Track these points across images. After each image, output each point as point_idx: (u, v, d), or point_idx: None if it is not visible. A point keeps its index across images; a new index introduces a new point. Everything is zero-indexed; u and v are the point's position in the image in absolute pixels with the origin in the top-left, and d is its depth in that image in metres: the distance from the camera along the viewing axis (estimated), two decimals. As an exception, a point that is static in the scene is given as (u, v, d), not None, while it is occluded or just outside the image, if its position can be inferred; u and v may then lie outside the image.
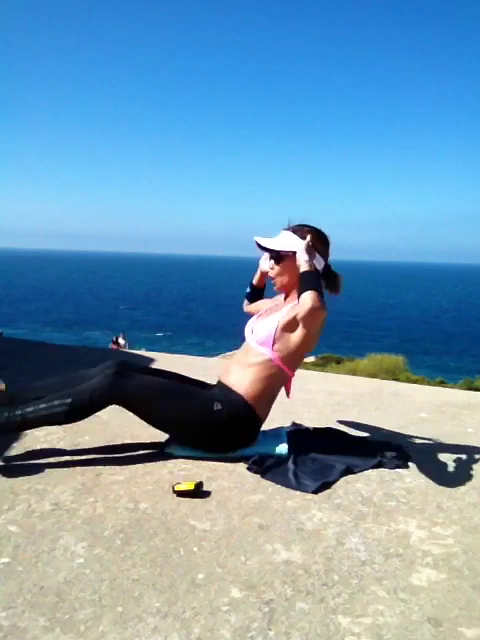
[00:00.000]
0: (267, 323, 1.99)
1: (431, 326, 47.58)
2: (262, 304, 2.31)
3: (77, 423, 2.32)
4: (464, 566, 1.33)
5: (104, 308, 52.52)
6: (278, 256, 2.02)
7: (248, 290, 2.41)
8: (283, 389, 2.04)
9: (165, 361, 4.11)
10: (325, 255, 2.02)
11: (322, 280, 1.94)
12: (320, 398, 3.07)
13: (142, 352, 5.12)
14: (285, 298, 2.09)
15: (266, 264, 2.17)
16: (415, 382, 9.93)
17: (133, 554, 1.32)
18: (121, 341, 20.17)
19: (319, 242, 2.00)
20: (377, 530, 1.50)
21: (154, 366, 3.89)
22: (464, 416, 2.80)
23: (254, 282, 2.38)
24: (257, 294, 2.39)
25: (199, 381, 2.13)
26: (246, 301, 2.43)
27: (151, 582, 1.21)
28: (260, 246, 2.06)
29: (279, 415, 2.36)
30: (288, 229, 2.04)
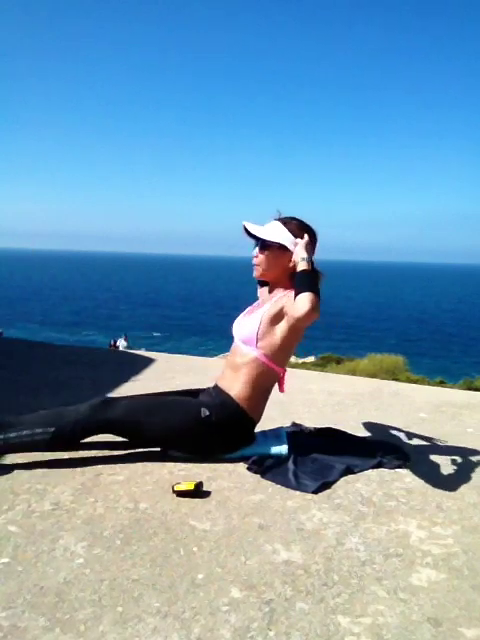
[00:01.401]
0: (250, 321, 1.97)
1: (431, 326, 47.59)
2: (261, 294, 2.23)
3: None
4: (464, 566, 1.33)
5: (104, 308, 52.54)
6: (263, 244, 1.98)
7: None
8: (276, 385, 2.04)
9: (165, 361, 4.11)
10: (312, 251, 1.98)
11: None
12: (320, 398, 3.07)
13: (142, 352, 5.12)
14: (270, 291, 2.06)
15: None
16: (415, 382, 9.93)
17: (133, 554, 1.32)
18: (121, 343, 20.00)
19: (311, 240, 1.97)
20: (377, 530, 1.50)
21: (154, 366, 3.90)
22: (464, 416, 2.80)
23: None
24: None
25: (191, 390, 2.12)
26: (259, 285, 2.24)
27: (151, 582, 1.21)
28: (247, 232, 2.02)
29: (279, 415, 2.36)
30: (278, 220, 2.00)
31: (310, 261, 1.87)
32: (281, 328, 1.91)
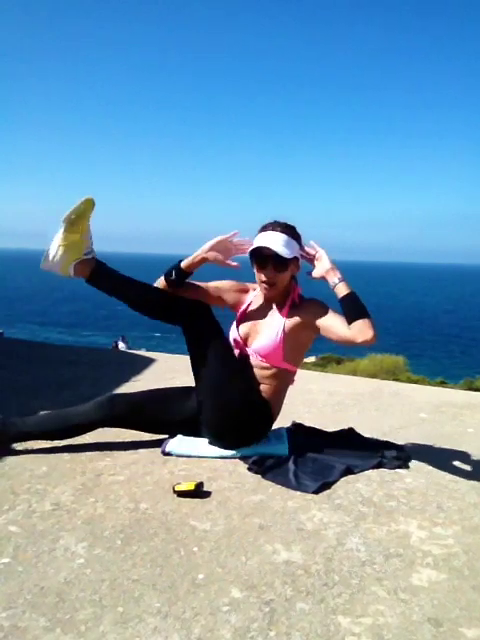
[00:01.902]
0: (267, 335, 1.92)
1: (431, 326, 47.57)
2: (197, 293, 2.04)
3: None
4: (464, 566, 1.33)
5: (103, 308, 52.51)
6: (281, 262, 1.87)
7: (173, 272, 1.99)
8: None
9: (165, 361, 4.11)
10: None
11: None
12: (320, 398, 3.07)
13: (142, 352, 5.12)
14: (265, 300, 2.01)
15: (212, 254, 1.97)
16: (415, 382, 9.93)
17: (133, 554, 1.32)
18: (120, 345, 19.90)
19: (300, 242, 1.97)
20: (377, 530, 1.50)
21: (154, 366, 3.90)
22: (464, 416, 2.80)
23: (184, 265, 1.99)
24: (181, 278, 2.00)
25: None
26: (161, 279, 2.02)
27: (151, 582, 1.21)
28: (257, 253, 1.89)
29: (279, 415, 2.36)
30: (280, 231, 1.90)
31: (345, 279, 1.89)
32: (303, 337, 1.93)
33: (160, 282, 2.02)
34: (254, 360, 1.96)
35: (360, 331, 1.78)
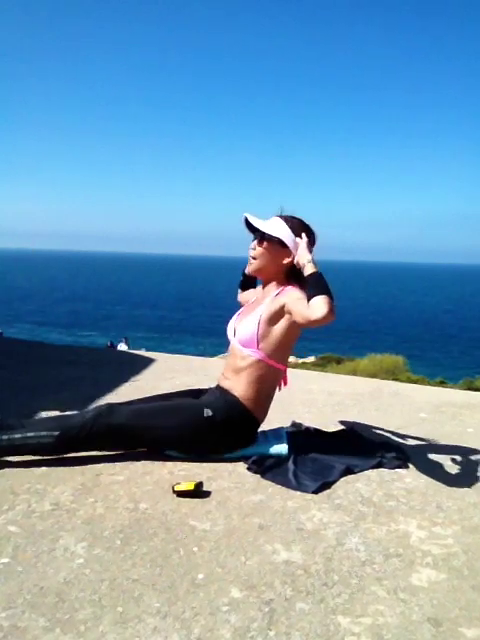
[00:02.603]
0: (248, 323, 1.97)
1: (431, 326, 47.59)
2: (250, 295, 2.26)
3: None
4: (464, 566, 1.33)
5: (103, 308, 52.52)
6: (262, 238, 1.97)
7: (241, 278, 2.34)
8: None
9: (165, 361, 4.11)
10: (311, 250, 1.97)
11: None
12: (320, 398, 3.06)
13: (142, 352, 5.12)
14: (263, 287, 2.08)
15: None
16: (415, 382, 9.93)
17: (133, 554, 1.32)
18: (122, 346, 19.68)
19: (310, 241, 1.96)
20: (377, 530, 1.50)
21: (154, 366, 3.90)
22: (464, 416, 2.80)
23: (247, 271, 2.21)
24: (249, 282, 2.32)
25: (193, 390, 2.12)
26: (239, 290, 2.37)
27: (151, 582, 1.21)
28: (248, 224, 2.02)
29: (279, 415, 2.36)
30: (280, 217, 2.00)
31: (314, 262, 1.85)
32: (280, 327, 1.91)
33: (239, 292, 2.36)
34: (238, 353, 1.97)
35: (315, 307, 1.72)
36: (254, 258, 2.01)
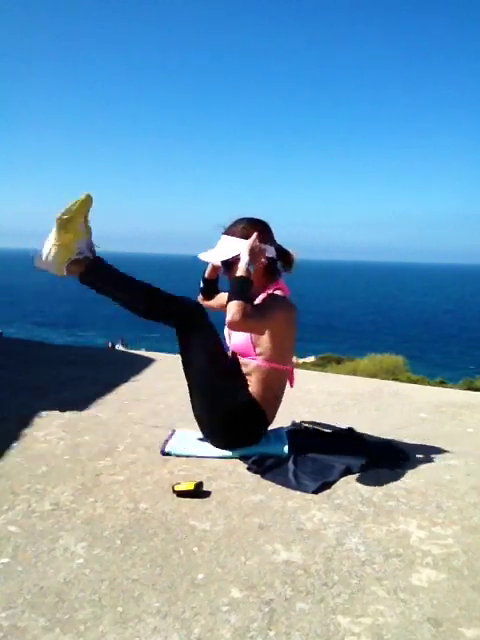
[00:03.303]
0: (239, 334, 1.95)
1: (431, 326, 47.59)
2: (221, 299, 2.18)
3: (77, 423, 2.33)
4: (464, 566, 1.33)
5: (103, 308, 52.47)
6: (226, 267, 1.97)
7: (201, 285, 2.26)
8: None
9: (165, 361, 4.11)
10: (270, 240, 1.97)
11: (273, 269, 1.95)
12: (320, 398, 3.07)
13: (142, 352, 5.12)
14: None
15: (255, 246, 1.99)
16: (415, 382, 9.93)
17: (133, 554, 1.32)
18: (119, 348, 19.75)
19: (261, 231, 1.93)
20: (377, 530, 1.50)
21: (154, 366, 3.90)
22: (464, 416, 2.80)
23: (206, 275, 2.24)
24: (211, 287, 2.26)
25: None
26: (200, 296, 2.27)
27: (151, 582, 1.21)
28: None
29: (279, 415, 2.36)
30: (225, 233, 1.97)
31: (248, 267, 1.83)
32: (269, 332, 1.90)
33: (200, 298, 2.23)
34: (239, 359, 1.97)
35: (227, 312, 1.75)
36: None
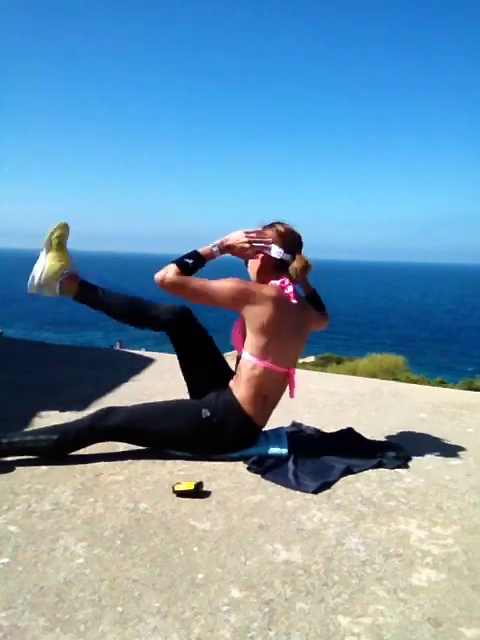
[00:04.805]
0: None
1: (431, 326, 47.58)
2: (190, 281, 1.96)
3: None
4: (464, 566, 1.33)
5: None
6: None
7: (191, 259, 1.91)
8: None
9: (165, 361, 4.10)
10: (284, 245, 1.98)
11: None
12: (320, 398, 3.07)
13: (142, 352, 5.11)
14: None
15: (241, 236, 1.96)
16: (415, 382, 9.93)
17: (133, 554, 1.32)
18: (116, 347, 19.78)
19: (276, 234, 1.99)
20: (377, 530, 1.50)
21: (154, 366, 3.90)
22: (464, 416, 2.80)
23: (201, 250, 1.95)
24: (197, 266, 1.92)
25: (227, 369, 2.10)
26: (176, 267, 1.87)
27: (151, 582, 1.21)
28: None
29: (279, 415, 2.36)
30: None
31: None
32: (248, 321, 1.91)
33: (172, 268, 1.86)
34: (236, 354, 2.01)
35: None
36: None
